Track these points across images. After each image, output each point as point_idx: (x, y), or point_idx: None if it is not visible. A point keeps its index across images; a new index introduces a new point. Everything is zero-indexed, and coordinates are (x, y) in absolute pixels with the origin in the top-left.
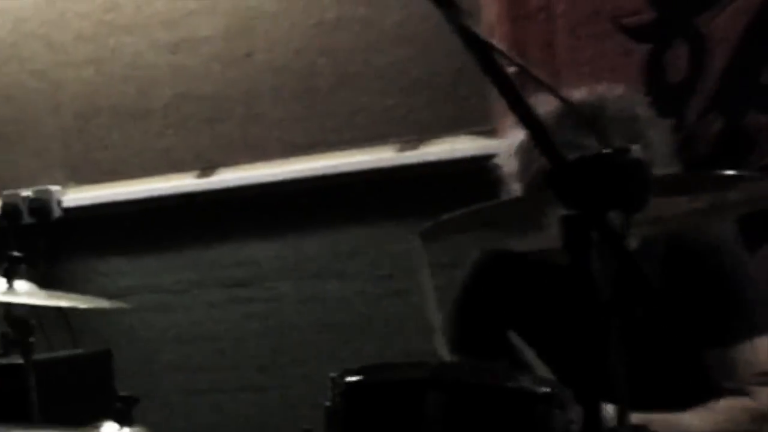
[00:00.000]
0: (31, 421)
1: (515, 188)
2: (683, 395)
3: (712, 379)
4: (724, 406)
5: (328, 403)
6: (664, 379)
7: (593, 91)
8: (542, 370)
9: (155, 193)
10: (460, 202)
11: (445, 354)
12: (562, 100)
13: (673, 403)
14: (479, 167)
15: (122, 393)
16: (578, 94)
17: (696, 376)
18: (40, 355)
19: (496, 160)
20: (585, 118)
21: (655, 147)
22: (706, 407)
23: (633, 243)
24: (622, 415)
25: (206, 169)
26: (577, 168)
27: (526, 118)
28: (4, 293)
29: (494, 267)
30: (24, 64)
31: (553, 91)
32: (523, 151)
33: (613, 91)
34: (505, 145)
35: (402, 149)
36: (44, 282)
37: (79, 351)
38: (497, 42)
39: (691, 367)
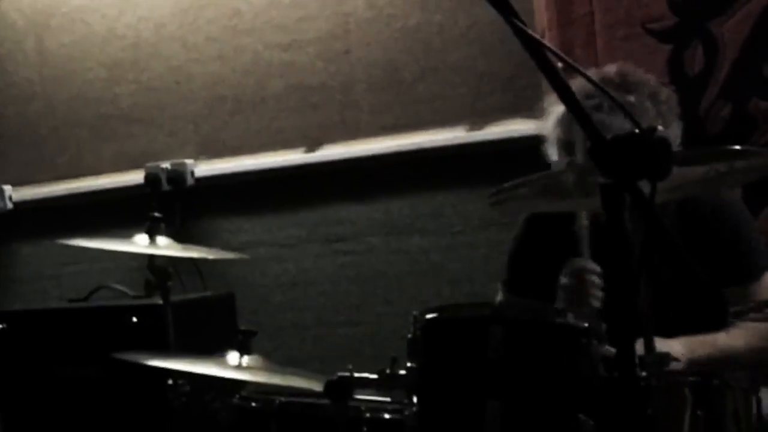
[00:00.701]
0: (169, 351)
1: (555, 153)
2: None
3: (726, 313)
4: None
5: (410, 336)
6: (685, 316)
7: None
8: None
9: (269, 165)
10: (517, 172)
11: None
12: (599, 88)
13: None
14: (532, 144)
15: (243, 328)
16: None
17: (711, 312)
18: (176, 297)
19: (542, 131)
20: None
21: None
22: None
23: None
24: (648, 346)
25: (311, 146)
26: (614, 144)
27: (572, 104)
28: (147, 247)
29: (542, 224)
30: (163, 61)
31: (592, 81)
32: (562, 123)
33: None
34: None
35: (471, 129)
36: (179, 238)
37: (208, 294)
38: (548, 42)
39: (707, 304)
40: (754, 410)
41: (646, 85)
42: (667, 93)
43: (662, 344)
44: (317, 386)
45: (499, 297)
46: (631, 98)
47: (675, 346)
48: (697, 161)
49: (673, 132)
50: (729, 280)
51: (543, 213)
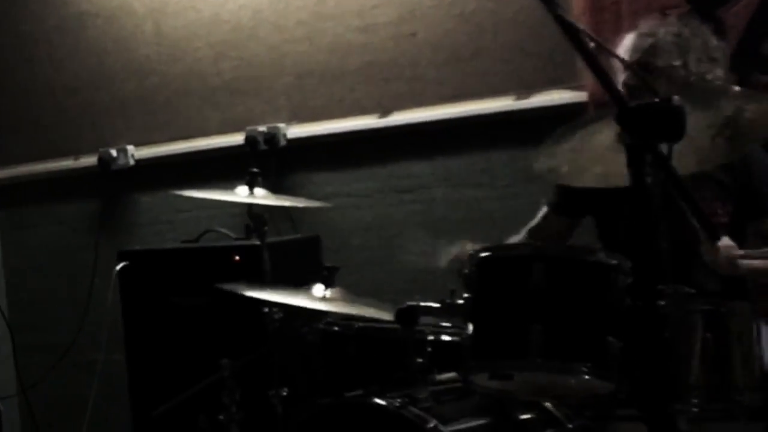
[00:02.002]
0: (265, 284)
1: None
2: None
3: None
4: None
5: (466, 271)
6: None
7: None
8: None
9: (349, 129)
10: None
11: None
12: (624, 63)
13: None
14: (569, 111)
15: (327, 264)
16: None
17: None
18: (271, 239)
19: None
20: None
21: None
22: None
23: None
24: (667, 281)
25: (384, 112)
26: (637, 111)
27: (602, 76)
28: (247, 197)
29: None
30: (260, 41)
31: (618, 57)
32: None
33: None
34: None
35: (518, 99)
36: (274, 189)
37: (298, 236)
38: (582, 26)
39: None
40: (755, 334)
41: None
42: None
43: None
44: (389, 313)
45: (541, 213)
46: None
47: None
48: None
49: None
50: (748, 216)
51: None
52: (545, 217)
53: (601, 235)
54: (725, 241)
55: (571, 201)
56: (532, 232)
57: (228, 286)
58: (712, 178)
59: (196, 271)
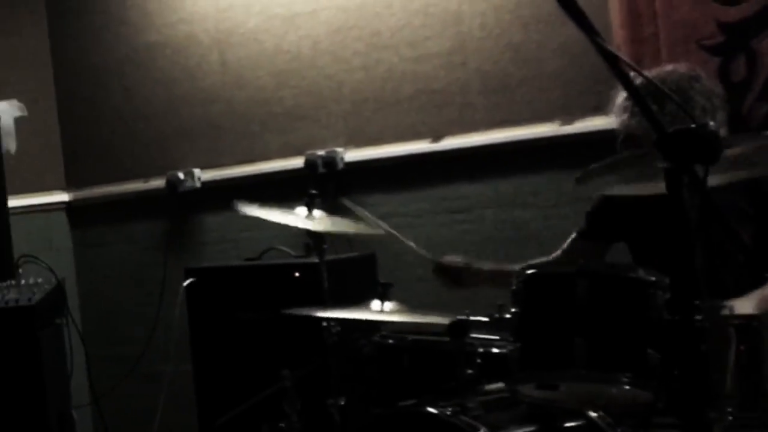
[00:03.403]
0: (323, 302)
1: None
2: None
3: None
4: None
5: (514, 287)
6: (733, 274)
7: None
8: None
9: (403, 153)
10: (598, 158)
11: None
12: (663, 92)
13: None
14: (611, 137)
15: (382, 281)
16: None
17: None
18: (329, 257)
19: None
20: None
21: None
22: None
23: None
24: (703, 297)
25: (436, 137)
26: (675, 136)
27: (641, 104)
28: (306, 218)
29: (618, 198)
30: (319, 70)
31: (657, 86)
32: (618, 109)
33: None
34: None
35: (562, 125)
36: (331, 210)
37: (355, 254)
38: (622, 56)
39: (751, 263)
40: None
41: (696, 80)
42: (716, 89)
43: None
44: (441, 327)
45: (570, 238)
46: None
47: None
48: (738, 144)
49: (719, 117)
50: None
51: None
52: (573, 242)
53: (636, 258)
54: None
55: (602, 227)
56: (559, 257)
57: (290, 311)
58: (732, 204)
59: (258, 287)
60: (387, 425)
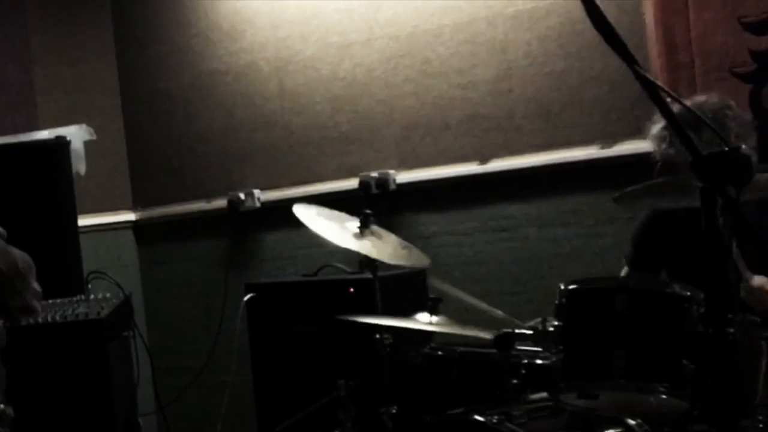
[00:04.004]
0: (377, 312)
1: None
2: None
3: None
4: None
5: (556, 302)
6: None
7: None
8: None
9: (452, 174)
10: (636, 180)
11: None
12: (697, 117)
13: None
14: (647, 159)
15: (431, 295)
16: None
17: None
18: (381, 273)
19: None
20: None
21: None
22: None
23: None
24: (736, 309)
25: (483, 160)
26: (709, 159)
27: (678, 129)
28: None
29: (656, 218)
30: (372, 96)
31: (693, 112)
32: (656, 139)
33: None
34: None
35: (602, 148)
36: (385, 227)
37: (406, 270)
38: (660, 82)
39: None
40: None
41: (729, 109)
42: (746, 117)
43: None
44: (487, 339)
45: (624, 269)
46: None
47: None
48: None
49: (750, 143)
50: None
51: (658, 209)
52: (627, 277)
53: (672, 274)
54: (760, 280)
55: (645, 254)
56: None
57: (345, 317)
58: (763, 222)
59: (315, 301)
60: None
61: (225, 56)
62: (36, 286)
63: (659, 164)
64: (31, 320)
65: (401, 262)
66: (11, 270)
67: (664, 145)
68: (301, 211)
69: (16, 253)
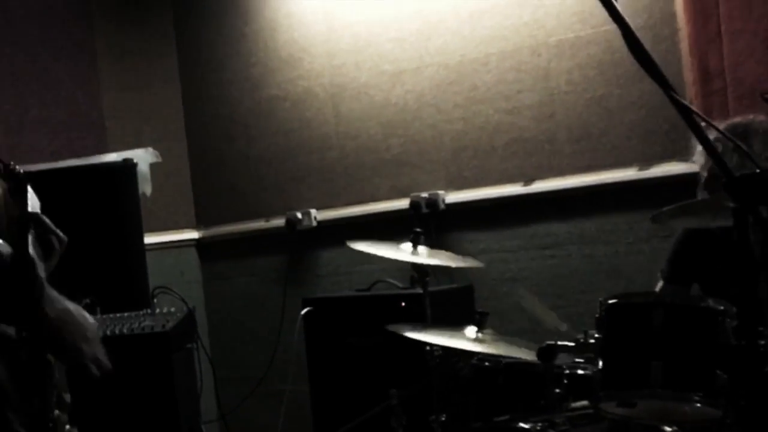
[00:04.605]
0: (427, 326)
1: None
2: None
3: None
4: None
5: (597, 315)
6: None
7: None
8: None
9: (497, 195)
10: (673, 200)
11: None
12: (730, 140)
13: None
14: (683, 181)
15: (479, 310)
16: (754, 117)
17: None
18: (432, 288)
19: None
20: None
21: None
22: None
23: None
24: (766, 324)
25: (527, 181)
26: (741, 180)
27: (711, 151)
28: (411, 253)
29: (691, 235)
30: (422, 121)
31: (726, 136)
32: (703, 153)
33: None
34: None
35: (640, 170)
36: (434, 246)
37: (454, 285)
38: (695, 108)
39: None
40: None
41: (760, 130)
42: None
43: None
44: (531, 351)
45: (660, 284)
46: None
47: None
48: None
49: None
50: None
51: (693, 228)
52: (662, 291)
53: (705, 289)
54: None
55: (680, 269)
56: None
57: (395, 327)
58: None
59: (368, 315)
60: None
61: (283, 83)
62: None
63: (705, 177)
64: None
65: (454, 264)
66: (81, 319)
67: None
68: (355, 245)
69: (86, 314)
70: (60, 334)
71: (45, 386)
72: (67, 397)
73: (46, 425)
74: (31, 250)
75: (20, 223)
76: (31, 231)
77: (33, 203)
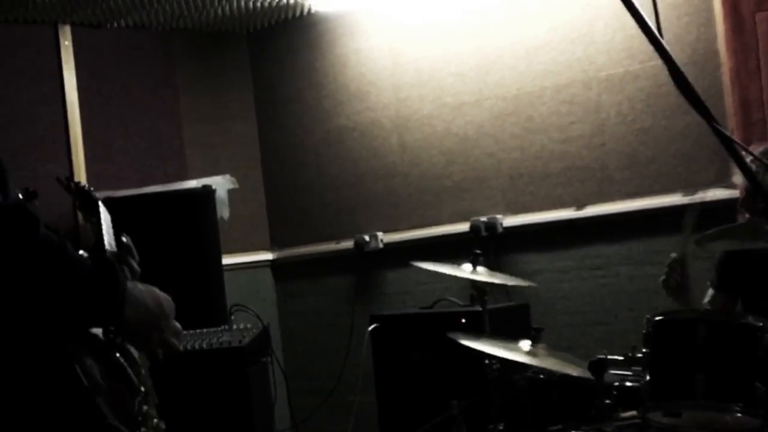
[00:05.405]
0: (485, 341)
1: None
2: None
3: None
4: None
5: (644, 331)
6: None
7: None
8: None
9: (552, 219)
10: (716, 223)
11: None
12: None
13: None
14: (726, 205)
15: (534, 326)
16: None
17: None
18: (490, 306)
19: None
20: None
21: None
22: None
23: None
24: None
25: (579, 206)
26: None
27: (751, 178)
28: (471, 273)
29: (733, 254)
30: (481, 150)
31: (763, 163)
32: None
33: None
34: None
35: (685, 195)
36: (492, 267)
37: (511, 303)
38: (735, 137)
39: None
40: None
41: None
42: None
43: None
44: (583, 364)
45: (709, 292)
46: None
47: None
48: None
49: None
50: None
51: (735, 249)
52: (713, 297)
53: (746, 306)
54: None
55: (727, 280)
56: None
57: (455, 335)
58: None
59: (431, 331)
60: None
61: (352, 114)
62: (176, 324)
63: (743, 197)
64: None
65: (511, 283)
66: (157, 310)
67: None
68: (420, 265)
69: (162, 295)
70: (138, 334)
71: (133, 383)
72: (154, 396)
73: (136, 419)
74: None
75: (96, 242)
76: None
77: (106, 221)
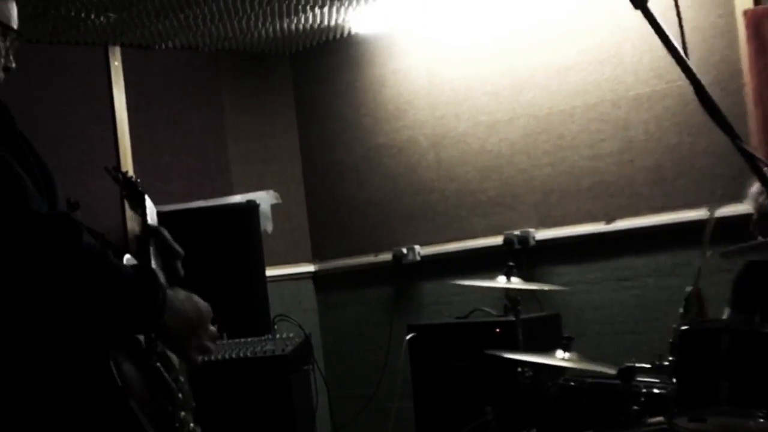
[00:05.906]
0: (518, 350)
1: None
2: None
3: None
4: None
5: (671, 340)
6: None
7: None
8: None
9: (582, 232)
10: (739, 237)
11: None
12: None
13: None
14: (747, 221)
15: (565, 335)
16: None
17: None
18: (523, 316)
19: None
20: None
21: None
22: None
23: None
24: None
25: (609, 220)
26: None
27: None
28: (506, 283)
29: (752, 269)
30: (515, 166)
31: None
32: (755, 195)
33: None
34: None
35: (709, 210)
36: (525, 278)
37: (543, 313)
38: (759, 154)
39: None
40: None
41: None
42: None
43: None
44: (612, 372)
45: (726, 310)
46: None
47: None
48: None
49: None
50: None
51: (755, 262)
52: (729, 317)
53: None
54: None
55: (744, 298)
56: None
57: (493, 351)
58: None
59: (466, 340)
60: None
61: (390, 132)
62: (213, 329)
63: (757, 217)
64: (207, 358)
65: (546, 288)
66: (196, 317)
67: (761, 198)
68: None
69: (200, 302)
70: (178, 341)
71: (171, 389)
72: (191, 401)
73: (173, 425)
74: (153, 263)
75: (141, 235)
76: (152, 243)
77: (151, 213)
